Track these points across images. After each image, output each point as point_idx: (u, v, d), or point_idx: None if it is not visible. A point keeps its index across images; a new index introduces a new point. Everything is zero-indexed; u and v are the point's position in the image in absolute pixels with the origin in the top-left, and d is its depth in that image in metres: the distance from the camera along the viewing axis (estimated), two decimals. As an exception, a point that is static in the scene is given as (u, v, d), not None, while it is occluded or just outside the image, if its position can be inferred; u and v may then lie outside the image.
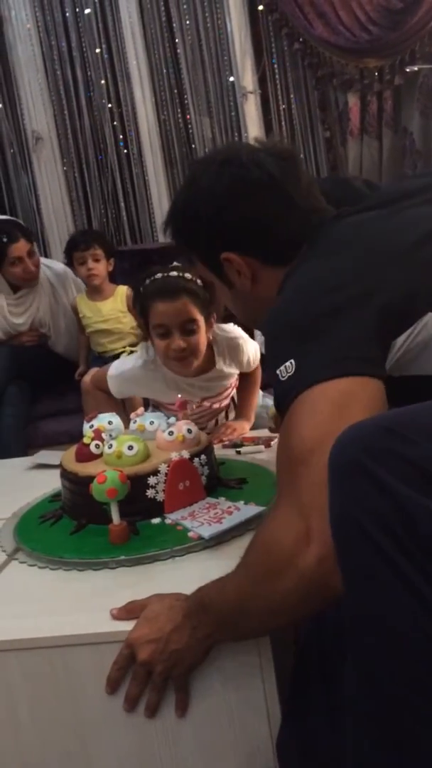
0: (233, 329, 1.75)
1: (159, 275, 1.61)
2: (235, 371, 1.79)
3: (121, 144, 3.48)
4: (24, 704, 0.99)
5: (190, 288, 1.57)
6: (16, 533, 1.30)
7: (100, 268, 2.60)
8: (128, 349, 2.62)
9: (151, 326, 1.62)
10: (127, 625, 0.95)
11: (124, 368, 1.80)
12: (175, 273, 1.59)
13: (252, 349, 1.77)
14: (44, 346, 2.78)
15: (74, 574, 1.13)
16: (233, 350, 1.74)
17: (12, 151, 3.52)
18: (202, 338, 1.62)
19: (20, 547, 1.25)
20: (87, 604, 1.03)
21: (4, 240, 2.55)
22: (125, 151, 3.48)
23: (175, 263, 1.62)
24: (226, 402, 1.86)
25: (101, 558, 1.13)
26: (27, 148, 3.51)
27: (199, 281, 1.55)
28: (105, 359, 2.64)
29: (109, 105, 3.42)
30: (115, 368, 1.80)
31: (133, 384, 1.81)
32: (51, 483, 1.49)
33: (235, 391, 1.87)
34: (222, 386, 1.80)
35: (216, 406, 1.82)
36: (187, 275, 1.58)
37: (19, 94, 3.48)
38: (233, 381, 1.84)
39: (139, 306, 1.66)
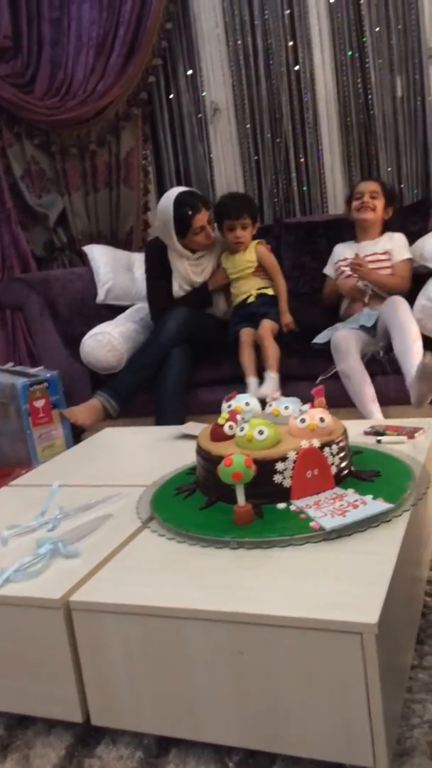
0: None
1: None
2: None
3: (297, 112, 3.42)
4: (141, 665, 1.07)
5: None
6: (153, 502, 1.39)
7: (247, 235, 2.76)
8: (254, 292, 2.77)
9: None
10: (240, 608, 0.99)
11: None
12: None
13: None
14: (210, 314, 2.88)
15: (198, 549, 1.19)
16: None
17: (196, 118, 3.59)
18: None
19: (154, 516, 1.33)
20: (205, 581, 1.08)
21: (189, 213, 2.70)
22: (304, 115, 3.40)
23: None
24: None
25: (224, 537, 1.18)
26: (205, 119, 3.58)
27: None
28: (239, 314, 2.79)
29: (296, 67, 3.37)
30: None
31: None
32: (194, 454, 1.55)
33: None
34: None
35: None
36: None
37: (201, 65, 3.54)
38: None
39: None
